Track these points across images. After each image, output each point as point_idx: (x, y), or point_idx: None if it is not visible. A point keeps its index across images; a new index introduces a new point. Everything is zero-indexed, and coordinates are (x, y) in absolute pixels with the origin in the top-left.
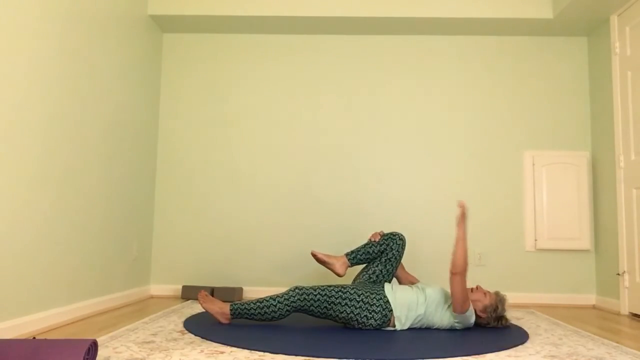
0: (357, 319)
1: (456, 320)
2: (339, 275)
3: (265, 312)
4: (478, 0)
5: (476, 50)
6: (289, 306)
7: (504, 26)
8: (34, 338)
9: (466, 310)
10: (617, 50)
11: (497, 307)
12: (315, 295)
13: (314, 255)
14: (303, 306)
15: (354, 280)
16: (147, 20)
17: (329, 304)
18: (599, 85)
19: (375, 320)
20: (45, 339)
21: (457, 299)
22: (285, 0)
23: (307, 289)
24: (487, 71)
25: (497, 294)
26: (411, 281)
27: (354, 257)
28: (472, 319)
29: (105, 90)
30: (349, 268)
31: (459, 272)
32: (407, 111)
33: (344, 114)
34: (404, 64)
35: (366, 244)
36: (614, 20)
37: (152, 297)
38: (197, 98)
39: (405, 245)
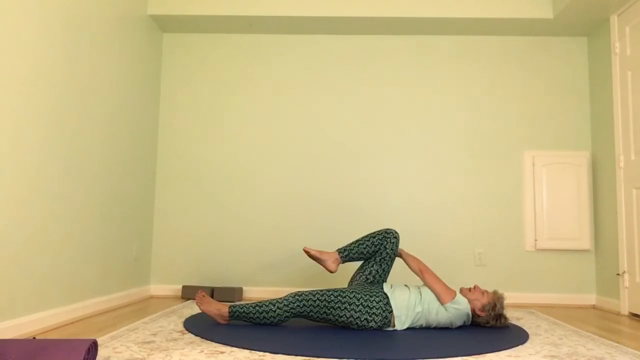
0: (357, 323)
1: (450, 314)
2: (330, 271)
3: (265, 317)
4: (478, 0)
5: (476, 50)
6: (288, 312)
7: (504, 26)
8: (34, 338)
9: (454, 297)
10: (617, 50)
11: (495, 305)
12: (315, 301)
13: (306, 252)
14: (302, 312)
15: (351, 281)
16: (147, 20)
17: (329, 309)
18: (599, 85)
19: (376, 323)
20: (45, 339)
21: (437, 288)
22: (284, 0)
23: (306, 295)
24: (487, 71)
25: (494, 292)
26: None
27: (346, 255)
28: (465, 306)
29: (105, 90)
30: (340, 265)
31: (422, 269)
32: (406, 111)
33: (344, 113)
34: (403, 64)
35: (359, 243)
36: (614, 20)
37: (152, 297)
38: (197, 98)
39: (399, 243)
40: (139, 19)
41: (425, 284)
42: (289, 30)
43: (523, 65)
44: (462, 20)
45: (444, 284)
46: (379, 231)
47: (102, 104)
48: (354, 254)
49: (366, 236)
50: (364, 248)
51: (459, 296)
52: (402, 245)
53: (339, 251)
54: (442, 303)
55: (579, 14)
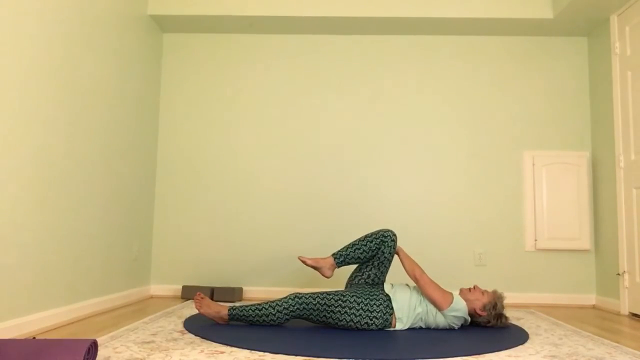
0: (357, 326)
1: (449, 320)
2: (326, 277)
3: (264, 320)
4: (478, 1)
5: (476, 50)
6: (287, 315)
7: (504, 26)
8: (34, 338)
9: (451, 302)
10: (617, 50)
11: (495, 304)
12: (315, 305)
13: (302, 261)
14: (302, 314)
15: (349, 281)
16: (147, 20)
17: (329, 312)
18: (599, 85)
19: (377, 326)
20: (45, 339)
21: (434, 296)
22: (285, 0)
23: (306, 298)
24: (487, 71)
25: (494, 292)
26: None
27: (342, 261)
28: (463, 310)
29: (105, 90)
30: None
31: (418, 276)
32: (407, 111)
33: (344, 114)
34: (403, 64)
35: (355, 247)
36: (614, 20)
37: (152, 297)
38: (197, 98)
39: (396, 244)
40: (139, 19)
41: (421, 292)
42: (289, 30)
43: (523, 65)
44: (462, 20)
45: (440, 290)
46: (375, 234)
47: (102, 104)
48: (349, 259)
49: (362, 239)
50: (361, 253)
51: (456, 300)
52: (401, 246)
53: (335, 257)
54: (439, 310)
55: (579, 14)
